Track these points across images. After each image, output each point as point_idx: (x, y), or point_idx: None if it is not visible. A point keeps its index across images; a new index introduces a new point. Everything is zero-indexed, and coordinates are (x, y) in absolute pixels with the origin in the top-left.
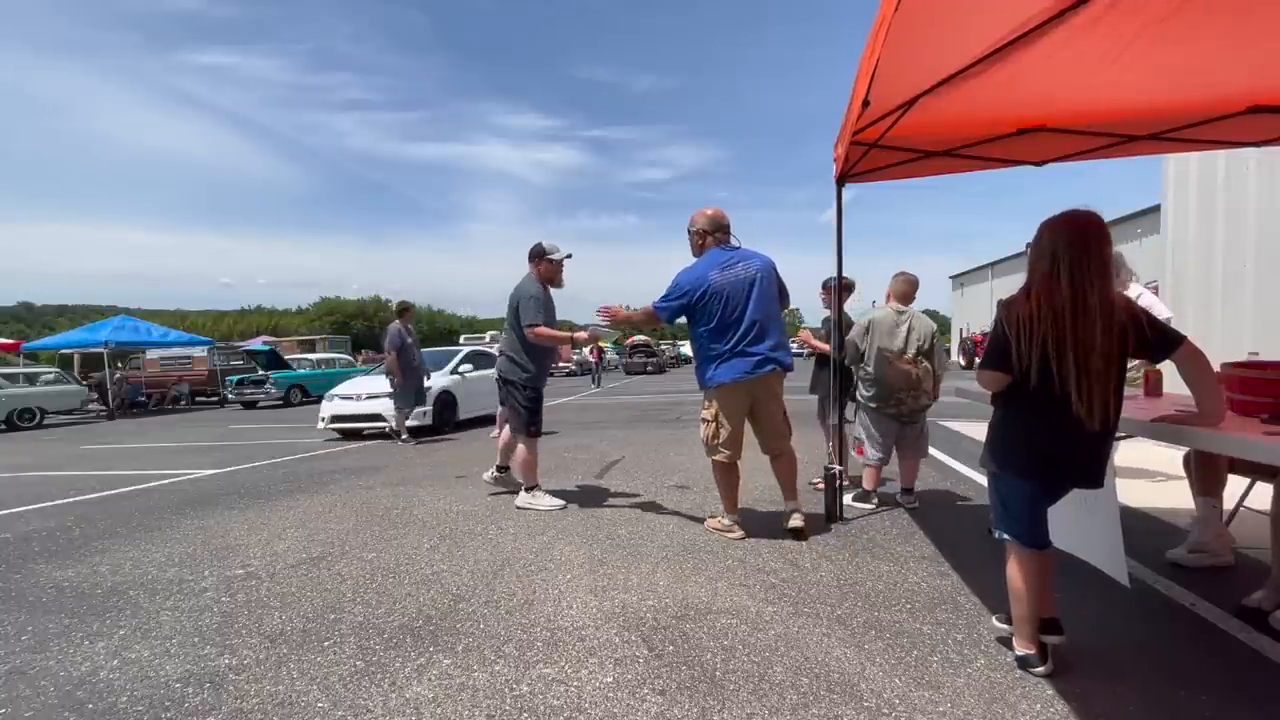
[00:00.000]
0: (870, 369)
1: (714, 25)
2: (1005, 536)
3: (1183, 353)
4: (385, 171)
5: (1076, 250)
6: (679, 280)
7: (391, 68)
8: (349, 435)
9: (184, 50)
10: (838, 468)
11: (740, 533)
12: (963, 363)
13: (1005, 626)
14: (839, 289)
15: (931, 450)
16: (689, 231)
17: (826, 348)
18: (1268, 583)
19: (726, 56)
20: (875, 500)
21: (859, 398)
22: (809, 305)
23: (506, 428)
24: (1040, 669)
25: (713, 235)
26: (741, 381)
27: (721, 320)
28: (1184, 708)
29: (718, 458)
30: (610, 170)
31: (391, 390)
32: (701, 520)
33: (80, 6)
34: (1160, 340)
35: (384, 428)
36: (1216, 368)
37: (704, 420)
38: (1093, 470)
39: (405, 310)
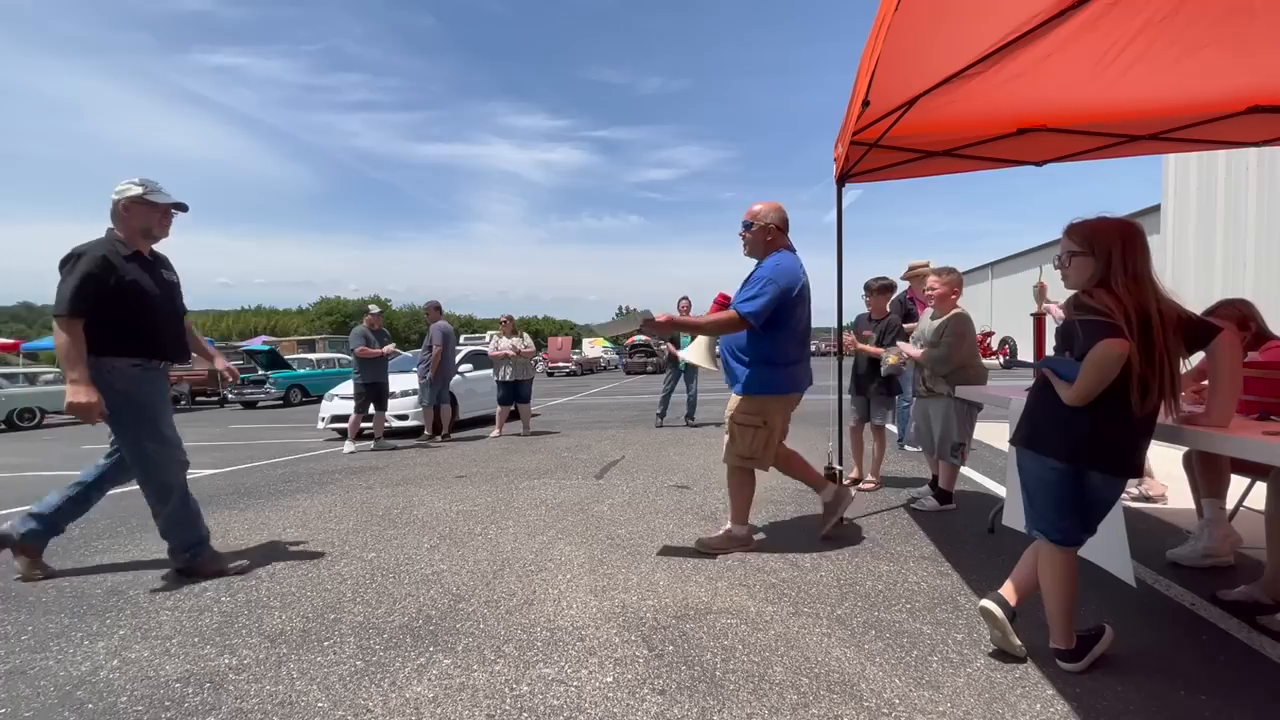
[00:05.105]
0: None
1: (723, 27)
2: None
3: (1219, 342)
4: (389, 171)
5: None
6: (771, 275)
7: (401, 68)
8: None
9: (194, 51)
10: (838, 468)
11: (752, 544)
12: None
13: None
14: (840, 289)
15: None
16: (754, 226)
17: (878, 351)
18: (1263, 578)
19: (734, 58)
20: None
21: (945, 390)
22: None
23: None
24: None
25: (785, 234)
26: (797, 395)
27: (802, 326)
28: (1184, 708)
29: (751, 466)
30: (615, 171)
31: (425, 388)
32: (702, 519)
33: (90, 7)
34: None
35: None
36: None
37: (749, 427)
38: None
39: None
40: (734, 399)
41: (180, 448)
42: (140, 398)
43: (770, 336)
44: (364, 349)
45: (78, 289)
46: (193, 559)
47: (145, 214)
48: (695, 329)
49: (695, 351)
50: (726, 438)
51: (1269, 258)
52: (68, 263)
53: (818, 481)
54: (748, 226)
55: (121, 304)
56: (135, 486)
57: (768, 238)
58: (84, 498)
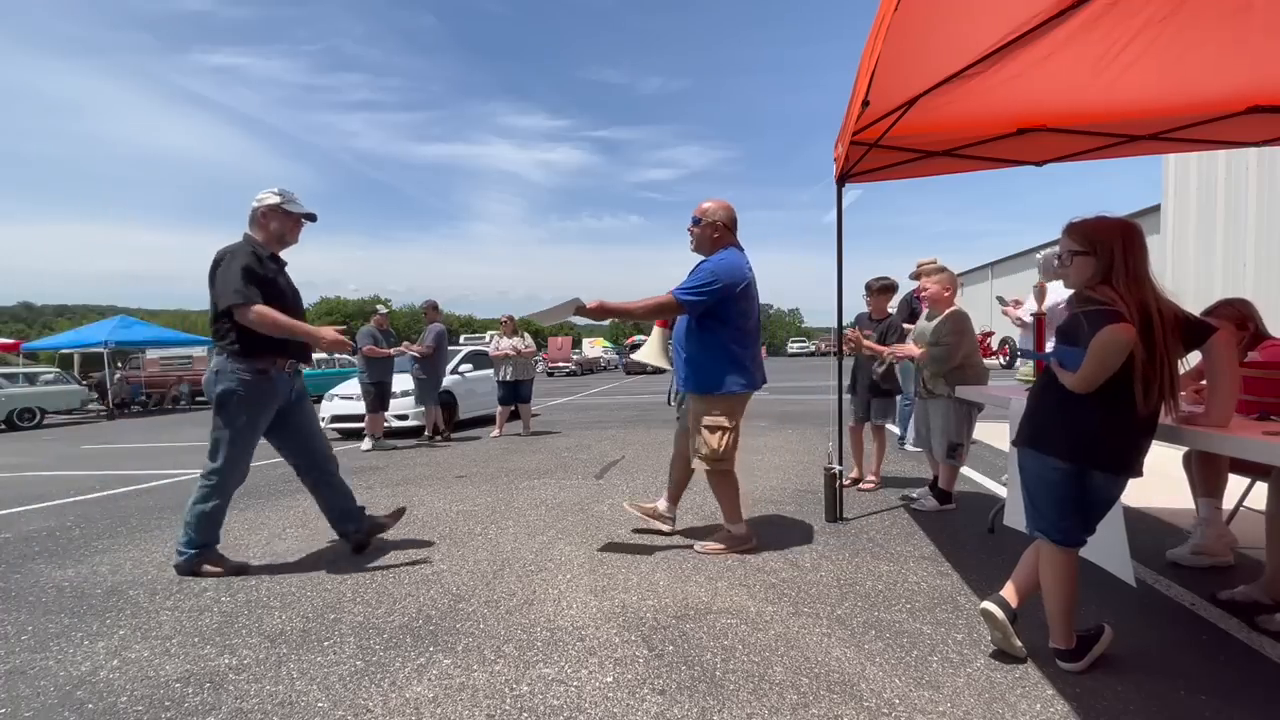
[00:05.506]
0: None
1: (723, 26)
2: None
3: (1215, 341)
4: (390, 171)
5: None
6: (714, 269)
7: (402, 68)
8: (349, 435)
9: (194, 51)
10: (838, 467)
11: (754, 542)
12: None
13: None
14: (840, 289)
15: (919, 449)
16: (702, 222)
17: (881, 349)
18: (1263, 579)
19: (734, 57)
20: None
21: (946, 393)
22: (809, 306)
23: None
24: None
25: (732, 233)
26: (751, 392)
27: (751, 322)
28: (1184, 708)
29: (725, 467)
30: (615, 170)
31: (419, 389)
32: (702, 519)
33: (90, 7)
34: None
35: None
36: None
37: (717, 429)
38: None
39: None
40: (695, 402)
41: (249, 462)
42: (254, 404)
43: (726, 334)
44: (371, 348)
45: (244, 277)
46: (196, 558)
47: (281, 221)
48: (627, 314)
49: (648, 351)
50: (694, 444)
51: (1269, 258)
52: (221, 261)
53: (676, 496)
54: (696, 222)
55: (264, 301)
56: (134, 486)
57: (714, 234)
58: (328, 483)
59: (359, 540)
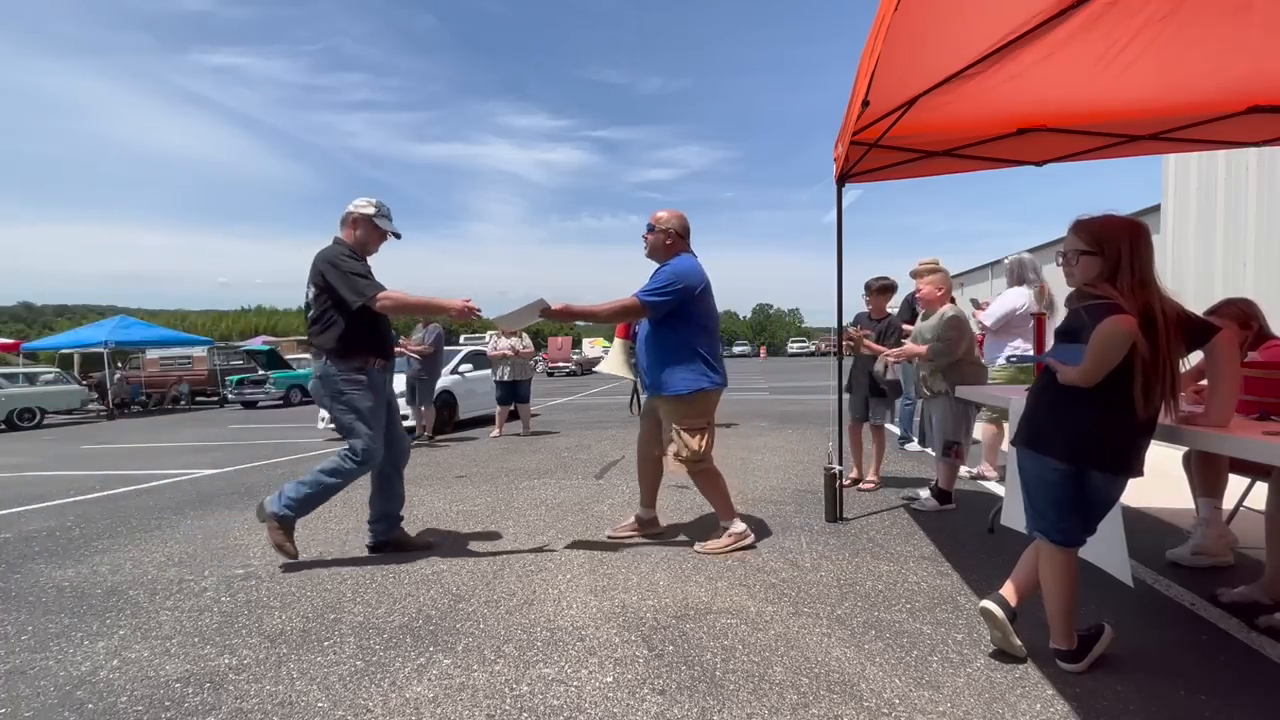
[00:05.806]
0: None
1: (723, 25)
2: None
3: (1218, 341)
4: (389, 171)
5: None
6: (674, 271)
7: (401, 68)
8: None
9: (194, 51)
10: (838, 468)
11: (752, 537)
12: None
13: None
14: (840, 289)
15: (926, 449)
16: (656, 229)
17: (881, 349)
18: (1263, 579)
19: (734, 57)
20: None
21: (945, 391)
22: (809, 306)
23: None
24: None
25: (685, 240)
26: (721, 389)
27: (713, 322)
28: (1184, 708)
29: (706, 466)
30: (615, 170)
31: (416, 390)
32: (702, 519)
33: (89, 8)
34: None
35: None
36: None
37: (695, 430)
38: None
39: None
40: (668, 406)
41: (374, 458)
42: (366, 394)
43: (690, 333)
44: None
45: (363, 274)
46: (286, 520)
47: (368, 231)
48: (591, 317)
49: (611, 362)
50: (673, 449)
51: (1269, 258)
52: (328, 266)
53: (652, 499)
54: (650, 229)
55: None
56: (134, 486)
57: (668, 241)
58: (389, 481)
59: (377, 542)
